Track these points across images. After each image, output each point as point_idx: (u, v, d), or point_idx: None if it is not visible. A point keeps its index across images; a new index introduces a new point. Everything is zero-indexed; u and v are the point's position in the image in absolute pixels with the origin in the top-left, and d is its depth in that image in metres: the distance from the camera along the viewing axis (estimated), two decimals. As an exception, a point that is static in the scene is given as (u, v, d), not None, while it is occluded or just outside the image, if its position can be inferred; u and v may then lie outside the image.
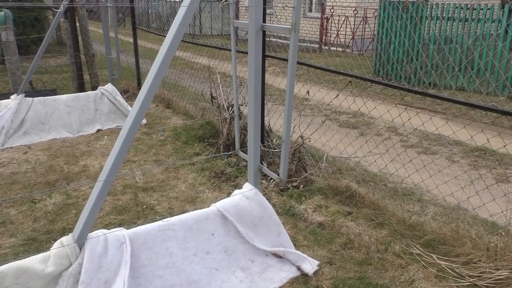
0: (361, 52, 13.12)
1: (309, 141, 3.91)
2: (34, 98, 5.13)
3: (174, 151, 4.78)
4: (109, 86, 5.62)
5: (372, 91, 7.59)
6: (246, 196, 2.70)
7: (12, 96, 5.09)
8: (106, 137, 4.91)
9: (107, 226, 3.19)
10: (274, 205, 3.60)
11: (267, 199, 3.70)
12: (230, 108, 4.71)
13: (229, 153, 4.26)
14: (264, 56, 4.05)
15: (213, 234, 2.59)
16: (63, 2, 4.92)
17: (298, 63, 3.59)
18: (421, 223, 3.07)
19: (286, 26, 2.24)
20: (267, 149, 4.22)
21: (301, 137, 3.84)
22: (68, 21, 6.43)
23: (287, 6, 2.52)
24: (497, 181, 4.19)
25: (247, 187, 2.76)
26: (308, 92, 3.73)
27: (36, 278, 2.07)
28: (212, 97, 5.06)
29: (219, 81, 4.96)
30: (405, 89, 2.73)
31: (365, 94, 7.10)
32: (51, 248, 2.14)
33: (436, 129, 4.52)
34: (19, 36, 9.25)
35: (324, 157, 3.84)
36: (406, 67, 8.91)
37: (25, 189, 3.81)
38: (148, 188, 3.86)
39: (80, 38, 6.72)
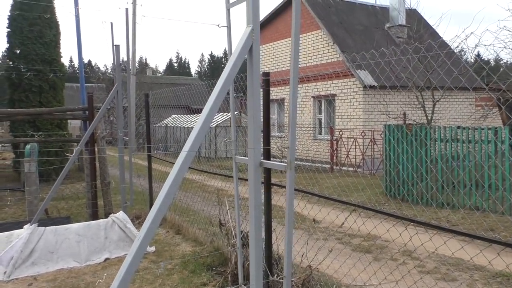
0: (372, 171, 13.32)
1: (317, 270, 3.78)
2: (46, 228, 5.21)
3: (180, 282, 4.64)
4: (120, 214, 5.72)
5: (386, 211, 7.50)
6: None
7: (25, 226, 5.19)
8: (105, 274, 4.83)
9: None
10: None
11: (275, 336, 3.47)
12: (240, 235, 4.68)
13: (232, 287, 4.12)
14: (270, 185, 4.17)
15: None
16: (76, 148, 5.32)
17: (298, 190, 3.67)
18: None
19: (283, 164, 2.36)
20: (276, 279, 4.07)
21: (309, 266, 3.73)
22: (88, 152, 6.85)
23: (282, 146, 2.67)
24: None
25: (250, 326, 2.61)
26: (314, 219, 3.74)
27: None
28: (221, 223, 5.07)
29: (227, 208, 5.02)
30: (407, 219, 2.72)
31: (377, 216, 7.02)
32: None
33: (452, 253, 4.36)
34: (42, 164, 9.78)
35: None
36: (417, 186, 8.93)
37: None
38: (150, 324, 3.67)
39: (98, 166, 7.07)
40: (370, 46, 13.87)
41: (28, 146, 7.21)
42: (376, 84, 14.01)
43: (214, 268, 4.94)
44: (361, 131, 14.05)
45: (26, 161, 6.68)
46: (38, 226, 5.21)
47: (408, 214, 6.74)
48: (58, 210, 7.71)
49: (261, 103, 4.18)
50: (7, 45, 11.82)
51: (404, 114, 12.88)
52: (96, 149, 6.84)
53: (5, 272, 4.75)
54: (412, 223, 3.16)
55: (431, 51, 8.43)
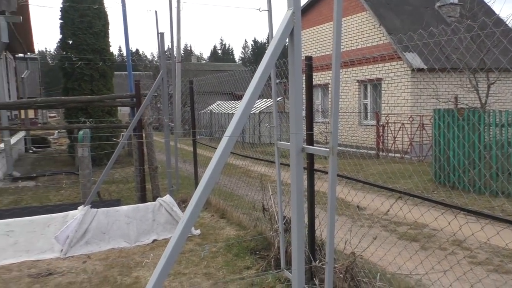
0: (420, 158, 12.88)
1: (361, 258, 3.73)
2: (99, 209, 5.48)
3: (225, 264, 4.74)
4: (167, 197, 5.90)
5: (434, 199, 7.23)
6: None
7: (79, 207, 5.48)
8: (152, 254, 5.03)
9: None
10: (325, 329, 3.35)
11: (318, 321, 3.48)
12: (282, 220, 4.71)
13: (275, 271, 4.15)
14: (313, 170, 4.14)
15: None
16: (122, 133, 5.49)
17: (342, 176, 3.61)
18: None
19: (325, 149, 2.33)
20: (319, 265, 4.06)
21: (353, 253, 3.69)
22: (136, 137, 7.08)
23: (324, 131, 2.63)
24: None
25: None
26: (358, 206, 3.68)
27: None
28: (264, 209, 5.11)
29: (270, 193, 5.04)
30: (457, 208, 2.61)
31: (425, 204, 6.79)
32: None
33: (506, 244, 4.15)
34: (95, 149, 10.24)
35: (378, 277, 3.61)
36: (468, 173, 8.54)
37: (78, 301, 3.89)
38: (195, 304, 3.80)
39: (145, 151, 7.30)
40: (419, 27, 13.27)
41: (81, 132, 7.55)
42: (424, 66, 13.43)
43: (257, 252, 5.00)
44: (409, 116, 13.57)
45: (79, 146, 7.01)
46: (91, 207, 5.49)
47: (458, 203, 6.48)
48: (110, 193, 8.07)
49: (304, 88, 4.14)
50: (60, 36, 12.38)
51: (456, 98, 12.28)
52: (143, 135, 7.06)
53: (61, 250, 5.06)
54: (462, 212, 3.03)
55: (485, 29, 7.94)
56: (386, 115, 14.39)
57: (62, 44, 12.39)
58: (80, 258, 5.00)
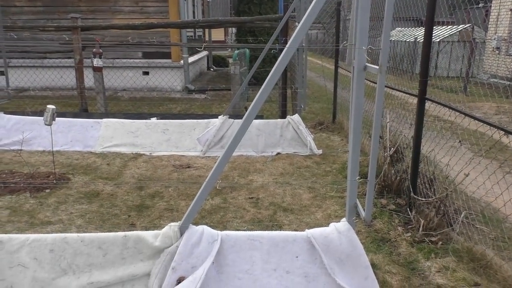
0: None
1: (454, 192, 3.47)
2: (234, 120, 6.20)
3: (332, 182, 4.97)
4: (295, 116, 6.25)
5: None
6: (338, 229, 2.73)
7: (219, 116, 6.30)
8: (269, 164, 5.51)
9: (238, 230, 3.69)
10: (399, 254, 3.38)
11: (395, 246, 3.52)
12: (392, 149, 4.60)
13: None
14: (424, 99, 3.85)
15: (297, 257, 2.72)
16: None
17: (430, 100, 3.29)
18: None
19: (375, 67, 2.25)
20: (415, 197, 3.94)
21: (446, 188, 3.46)
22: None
23: (372, 47, 2.43)
24: None
25: (342, 221, 2.77)
26: (460, 141, 3.36)
27: (147, 247, 2.70)
28: (380, 136, 5.00)
29: (387, 120, 4.89)
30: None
31: None
32: (162, 229, 2.74)
33: None
34: (258, 70, 11.10)
35: (462, 216, 3.33)
36: None
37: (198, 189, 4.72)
38: (288, 209, 4.21)
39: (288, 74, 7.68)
40: None
41: (236, 51, 8.32)
42: None
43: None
44: None
45: (231, 64, 7.80)
46: (229, 118, 6.25)
47: None
48: (258, 110, 8.84)
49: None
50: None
51: None
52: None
53: (201, 150, 6.02)
54: None
55: None
56: None
57: (238, -32, 13.19)
58: (214, 158, 5.89)
